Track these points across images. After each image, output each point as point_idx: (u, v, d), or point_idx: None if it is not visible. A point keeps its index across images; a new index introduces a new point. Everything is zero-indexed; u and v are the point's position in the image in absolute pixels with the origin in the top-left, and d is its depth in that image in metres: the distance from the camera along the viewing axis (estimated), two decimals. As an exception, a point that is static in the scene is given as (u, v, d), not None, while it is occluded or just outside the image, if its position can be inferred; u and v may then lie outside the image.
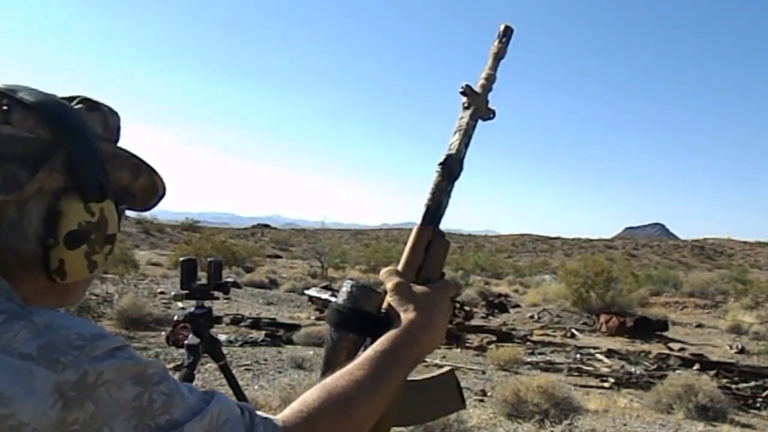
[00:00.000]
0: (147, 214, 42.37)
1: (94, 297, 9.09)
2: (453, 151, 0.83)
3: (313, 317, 11.85)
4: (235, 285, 3.32)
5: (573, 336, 11.72)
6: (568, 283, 15.07)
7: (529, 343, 10.40)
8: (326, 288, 14.53)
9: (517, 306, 15.81)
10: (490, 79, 0.86)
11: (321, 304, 13.00)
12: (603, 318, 12.58)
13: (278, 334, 9.02)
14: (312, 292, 14.11)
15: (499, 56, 0.87)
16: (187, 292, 3.04)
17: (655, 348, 10.47)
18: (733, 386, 7.56)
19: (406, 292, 0.80)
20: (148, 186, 0.79)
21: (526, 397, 5.70)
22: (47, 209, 0.67)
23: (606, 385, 7.55)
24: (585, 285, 14.42)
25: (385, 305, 0.80)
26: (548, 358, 9.09)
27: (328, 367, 0.79)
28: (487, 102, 0.86)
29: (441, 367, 6.11)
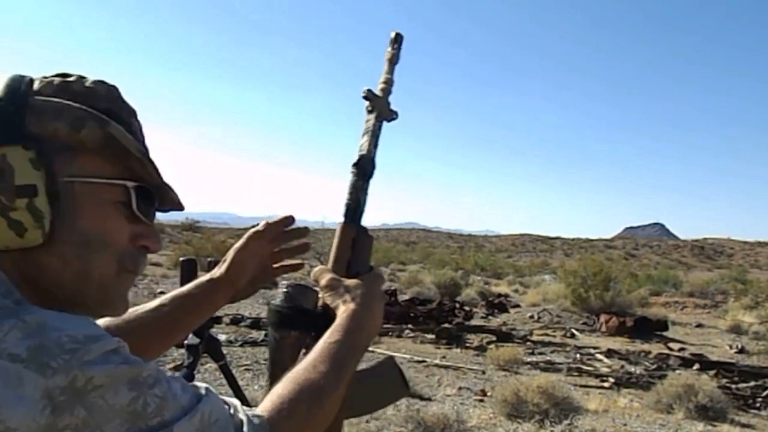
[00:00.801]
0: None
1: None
2: (364, 152, 0.89)
3: (313, 317, 11.85)
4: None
5: (573, 336, 11.72)
6: (567, 283, 15.07)
7: (529, 343, 10.39)
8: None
9: (517, 306, 15.80)
10: (389, 83, 0.92)
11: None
12: (603, 318, 12.58)
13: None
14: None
15: (393, 61, 0.94)
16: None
17: (655, 348, 10.46)
18: (733, 386, 7.55)
19: (340, 285, 0.85)
20: (103, 139, 0.70)
21: (526, 397, 5.69)
22: None
23: (606, 385, 7.55)
24: (584, 285, 14.42)
25: (321, 301, 0.86)
26: (548, 358, 9.09)
27: (275, 367, 0.83)
28: (389, 104, 0.92)
29: (442, 367, 6.10)
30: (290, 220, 1.02)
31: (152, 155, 0.76)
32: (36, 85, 0.70)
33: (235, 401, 0.69)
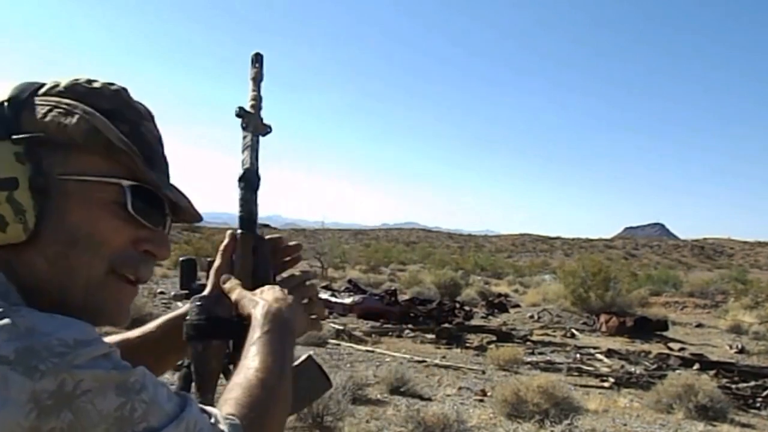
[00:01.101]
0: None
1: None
2: (248, 166, 0.94)
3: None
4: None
5: (573, 336, 11.72)
6: (567, 283, 15.07)
7: (529, 343, 10.39)
8: (326, 288, 14.52)
9: (517, 306, 15.81)
10: (257, 100, 0.98)
11: (321, 304, 12.98)
12: (603, 318, 12.59)
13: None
14: (312, 292, 14.09)
15: (257, 80, 1.00)
16: (186, 292, 3.04)
17: (655, 348, 10.47)
18: (733, 386, 7.56)
19: (248, 294, 0.87)
20: (87, 131, 0.68)
21: (526, 397, 5.69)
22: None
23: (606, 385, 7.55)
24: (583, 285, 14.42)
25: (235, 310, 0.88)
26: (548, 358, 9.09)
27: (201, 378, 0.84)
28: (261, 119, 0.97)
29: (442, 367, 6.10)
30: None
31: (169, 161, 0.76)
32: (44, 89, 0.71)
33: (214, 410, 0.68)
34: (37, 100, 0.70)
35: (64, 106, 0.69)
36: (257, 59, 1.00)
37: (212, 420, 0.66)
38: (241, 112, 0.95)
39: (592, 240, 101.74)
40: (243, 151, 0.95)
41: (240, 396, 0.73)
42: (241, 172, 0.94)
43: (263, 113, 0.98)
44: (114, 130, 0.70)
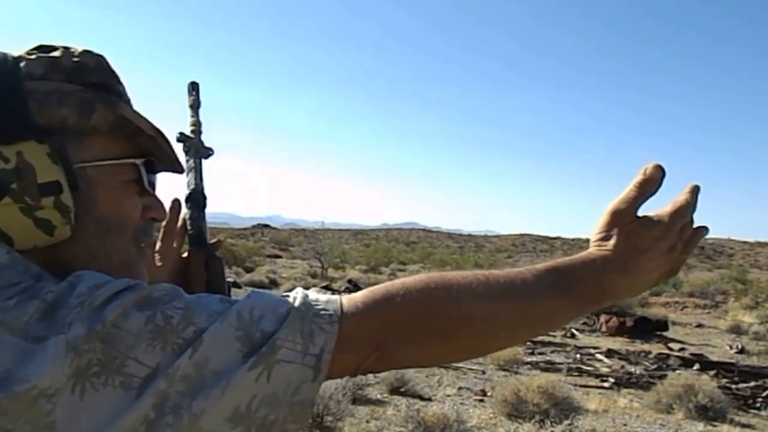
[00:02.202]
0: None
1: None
2: (193, 186, 0.99)
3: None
4: (235, 285, 3.32)
5: (573, 336, 11.72)
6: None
7: (528, 343, 10.40)
8: (326, 288, 14.51)
9: (517, 306, 15.80)
10: (197, 125, 1.02)
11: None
12: (603, 318, 12.58)
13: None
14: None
15: (195, 106, 1.04)
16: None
17: (655, 348, 10.47)
18: (733, 386, 7.56)
19: None
20: (116, 122, 0.68)
21: (526, 397, 5.70)
22: None
23: (606, 385, 7.55)
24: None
25: None
26: (548, 358, 9.09)
27: None
28: (203, 143, 1.02)
29: (442, 367, 6.09)
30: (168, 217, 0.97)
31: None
32: (22, 66, 0.66)
33: (307, 292, 0.63)
34: (34, 83, 0.65)
35: (78, 95, 0.66)
36: (194, 88, 1.04)
37: (290, 299, 0.62)
38: (182, 138, 0.99)
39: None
40: (187, 174, 0.99)
41: (409, 280, 0.64)
42: (187, 192, 0.99)
43: (204, 137, 1.02)
44: (144, 118, 0.71)
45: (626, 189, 0.72)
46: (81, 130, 0.67)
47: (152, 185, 0.75)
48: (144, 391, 0.54)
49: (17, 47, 0.69)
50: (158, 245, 0.95)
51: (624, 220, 0.72)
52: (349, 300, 0.64)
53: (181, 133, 0.99)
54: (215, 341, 0.56)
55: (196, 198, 0.99)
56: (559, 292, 0.68)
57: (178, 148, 0.95)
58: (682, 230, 0.73)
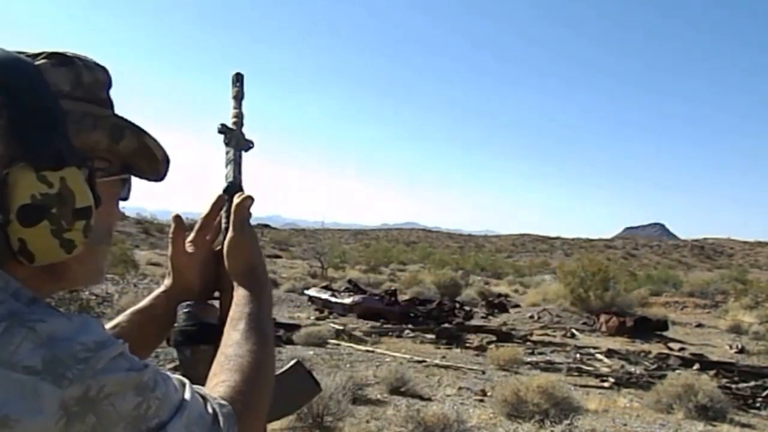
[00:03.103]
0: (147, 214, 42.32)
1: (94, 297, 9.08)
2: (231, 179, 0.98)
3: (313, 317, 11.85)
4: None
5: (573, 336, 11.72)
6: (566, 283, 15.07)
7: (529, 343, 10.39)
8: (326, 288, 14.51)
9: (517, 306, 15.80)
10: (239, 117, 1.02)
11: (321, 304, 13.01)
12: (603, 318, 12.58)
13: (278, 334, 9.02)
14: (312, 292, 14.10)
15: (239, 98, 1.03)
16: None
17: (655, 348, 10.47)
18: (733, 386, 7.56)
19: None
20: (138, 149, 0.72)
21: (526, 397, 5.70)
22: None
23: (606, 385, 7.55)
24: (583, 285, 14.41)
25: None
26: (548, 358, 9.09)
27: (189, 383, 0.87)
28: (244, 135, 1.01)
29: (442, 367, 6.10)
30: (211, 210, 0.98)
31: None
32: (49, 80, 0.65)
33: (203, 390, 0.70)
34: (67, 104, 0.65)
35: (110, 120, 0.70)
36: (238, 79, 1.03)
37: (207, 407, 0.67)
38: (223, 129, 0.98)
39: (592, 240, 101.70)
40: (227, 165, 0.99)
41: (227, 377, 0.74)
42: (225, 185, 0.99)
43: (245, 129, 1.02)
44: (161, 147, 0.75)
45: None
46: (107, 156, 0.70)
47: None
48: None
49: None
50: (192, 235, 0.96)
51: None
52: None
53: (223, 125, 0.98)
54: None
55: (234, 192, 0.98)
56: (266, 324, 0.86)
57: (218, 139, 0.97)
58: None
